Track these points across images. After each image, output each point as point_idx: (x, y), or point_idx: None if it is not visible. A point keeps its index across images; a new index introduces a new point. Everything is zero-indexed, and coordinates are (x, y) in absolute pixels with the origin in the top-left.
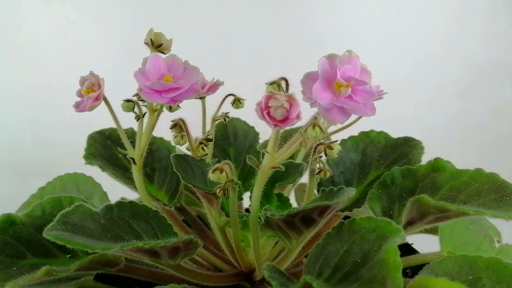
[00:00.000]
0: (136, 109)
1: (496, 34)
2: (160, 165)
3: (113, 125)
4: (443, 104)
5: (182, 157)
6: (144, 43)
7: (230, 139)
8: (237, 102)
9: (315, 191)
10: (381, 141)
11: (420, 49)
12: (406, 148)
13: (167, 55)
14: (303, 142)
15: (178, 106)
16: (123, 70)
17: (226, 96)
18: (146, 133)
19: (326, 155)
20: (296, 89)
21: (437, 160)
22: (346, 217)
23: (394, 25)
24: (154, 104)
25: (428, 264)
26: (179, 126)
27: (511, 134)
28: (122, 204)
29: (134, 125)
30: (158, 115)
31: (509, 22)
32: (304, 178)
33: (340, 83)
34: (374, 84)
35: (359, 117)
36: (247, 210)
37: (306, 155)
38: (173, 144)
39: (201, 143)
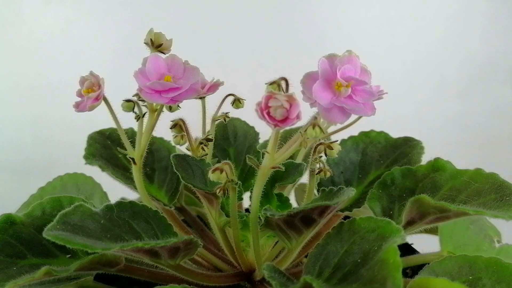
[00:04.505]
0: (136, 109)
1: (496, 34)
2: (160, 165)
3: (113, 125)
4: (443, 104)
5: (182, 157)
6: (144, 43)
7: (230, 139)
8: (237, 102)
9: (315, 191)
10: (381, 141)
11: (420, 49)
12: (406, 148)
13: (167, 55)
14: (303, 142)
15: (178, 106)
16: (123, 70)
17: (226, 96)
18: (146, 133)
19: (326, 155)
20: (296, 89)
21: (437, 160)
22: (346, 217)
23: (394, 25)
24: (154, 104)
25: (428, 264)
26: (179, 126)
27: (511, 134)
28: (122, 204)
29: (134, 125)
30: (158, 115)
31: (509, 22)
32: (304, 178)
33: (340, 83)
34: (374, 84)
35: (359, 117)
36: (247, 210)
37: (306, 155)
38: (173, 144)
39: (201, 143)
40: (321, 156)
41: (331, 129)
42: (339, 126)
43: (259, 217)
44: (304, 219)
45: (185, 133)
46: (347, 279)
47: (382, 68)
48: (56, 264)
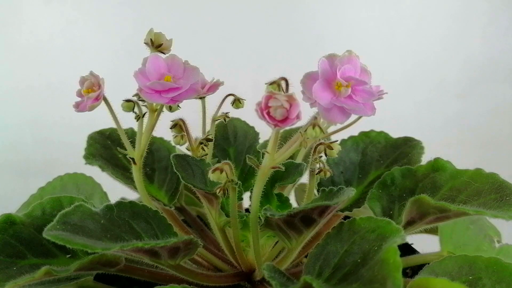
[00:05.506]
0: (136, 109)
1: (496, 34)
2: (160, 165)
3: (113, 125)
4: (443, 104)
5: (182, 157)
6: (144, 43)
7: (230, 139)
8: (237, 102)
9: (315, 191)
10: (381, 141)
11: (420, 49)
12: (406, 148)
13: (167, 55)
14: (303, 142)
15: (178, 106)
16: (123, 70)
17: (226, 96)
18: (146, 133)
19: (326, 155)
20: (296, 89)
21: (437, 160)
22: (346, 217)
23: (394, 25)
24: (154, 104)
25: (428, 264)
26: (179, 126)
27: (511, 134)
28: (122, 204)
29: (134, 125)
30: (158, 115)
31: (509, 22)
32: (304, 178)
33: (340, 83)
34: (374, 84)
35: (359, 117)
36: (247, 210)
37: (306, 155)
38: (173, 144)
39: (201, 143)
40: (321, 156)
41: (331, 129)
42: (339, 126)
43: (259, 217)
44: (304, 219)
45: (185, 133)
46: (347, 279)
47: (382, 68)
48: (56, 264)
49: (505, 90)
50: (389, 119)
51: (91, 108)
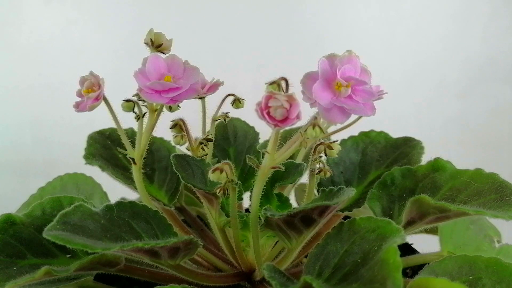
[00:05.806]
0: (136, 109)
1: (496, 34)
2: (160, 165)
3: (113, 125)
4: (443, 104)
5: (182, 157)
6: (144, 43)
7: (230, 139)
8: (237, 102)
9: (315, 191)
10: (381, 141)
11: (420, 49)
12: (406, 148)
13: (167, 55)
14: (303, 142)
15: (178, 106)
16: (123, 70)
17: (226, 96)
18: (146, 133)
19: (326, 155)
20: (296, 89)
21: (437, 160)
22: (346, 217)
23: (394, 25)
24: (154, 104)
25: (428, 264)
26: (179, 126)
27: (511, 134)
28: (122, 204)
29: (134, 125)
30: (158, 115)
31: (509, 22)
32: (304, 178)
33: (340, 83)
34: (374, 84)
35: (359, 117)
36: (247, 210)
37: (306, 155)
38: (173, 144)
39: (201, 143)
40: (321, 156)
41: (331, 129)
42: (339, 126)
43: (259, 217)
44: (304, 219)
45: (185, 133)
46: (347, 279)
47: (382, 68)
48: (56, 264)
49: (505, 90)
50: (389, 119)
51: (91, 108)
